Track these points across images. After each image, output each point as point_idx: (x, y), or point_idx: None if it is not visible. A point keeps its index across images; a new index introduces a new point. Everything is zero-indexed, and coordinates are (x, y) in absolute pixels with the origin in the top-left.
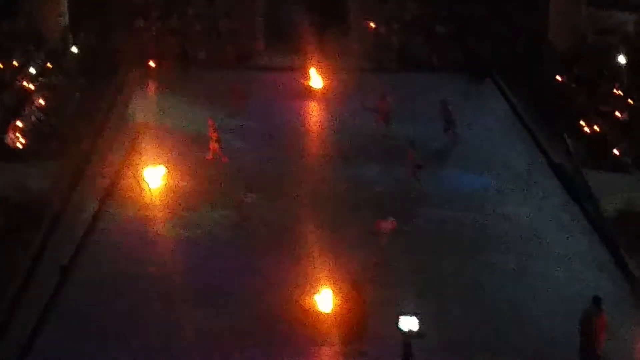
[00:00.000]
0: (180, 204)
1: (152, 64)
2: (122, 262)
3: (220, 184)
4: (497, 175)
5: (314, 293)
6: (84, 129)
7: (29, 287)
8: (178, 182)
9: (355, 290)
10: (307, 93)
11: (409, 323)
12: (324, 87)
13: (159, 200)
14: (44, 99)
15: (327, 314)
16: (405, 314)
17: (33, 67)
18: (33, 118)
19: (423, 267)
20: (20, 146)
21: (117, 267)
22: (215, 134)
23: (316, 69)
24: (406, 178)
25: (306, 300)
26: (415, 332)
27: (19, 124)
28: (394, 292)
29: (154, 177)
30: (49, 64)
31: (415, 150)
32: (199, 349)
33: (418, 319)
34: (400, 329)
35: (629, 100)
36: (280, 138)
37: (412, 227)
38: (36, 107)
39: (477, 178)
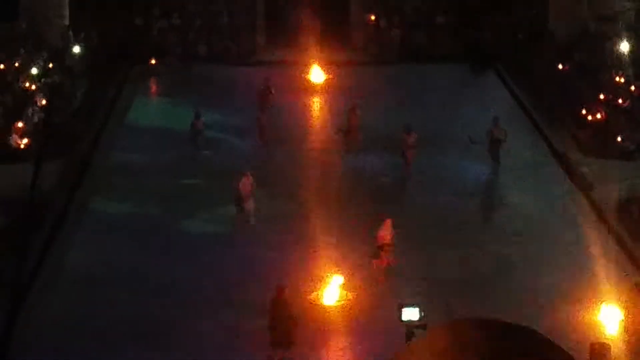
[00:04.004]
0: (181, 200)
1: (153, 61)
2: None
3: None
4: (500, 164)
5: (319, 286)
6: (86, 128)
7: (32, 287)
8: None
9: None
10: (308, 87)
11: (410, 313)
12: (325, 81)
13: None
14: (46, 99)
15: (333, 306)
16: (407, 304)
17: (35, 67)
18: (35, 118)
19: (426, 256)
20: (23, 147)
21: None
22: None
23: (317, 63)
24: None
25: (312, 294)
26: (417, 323)
27: (21, 124)
28: (395, 283)
29: None
30: (50, 64)
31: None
32: (198, 347)
33: (420, 309)
34: (401, 320)
35: (632, 87)
36: (282, 132)
37: (414, 217)
38: (38, 107)
39: (481, 167)
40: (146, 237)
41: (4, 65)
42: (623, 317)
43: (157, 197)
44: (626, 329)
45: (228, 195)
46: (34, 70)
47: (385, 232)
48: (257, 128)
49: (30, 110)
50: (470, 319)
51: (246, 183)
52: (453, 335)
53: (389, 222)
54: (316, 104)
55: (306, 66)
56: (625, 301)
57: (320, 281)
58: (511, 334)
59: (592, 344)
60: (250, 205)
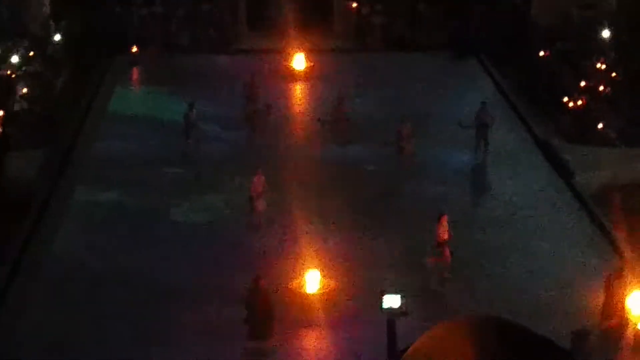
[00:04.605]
0: (164, 190)
1: (135, 50)
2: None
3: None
4: (489, 146)
5: (302, 275)
6: (68, 116)
7: (15, 278)
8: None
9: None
10: (291, 75)
11: (392, 301)
12: (307, 69)
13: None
14: (28, 88)
15: (314, 295)
16: (389, 292)
17: (16, 56)
18: (17, 107)
19: (410, 244)
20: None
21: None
22: None
23: (299, 50)
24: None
25: (294, 283)
26: (398, 310)
27: (1, 113)
28: (380, 271)
29: None
30: (31, 53)
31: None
32: (180, 337)
33: (402, 297)
34: (383, 307)
35: (613, 74)
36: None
37: (399, 205)
38: (20, 96)
39: (464, 156)
40: (130, 227)
41: None
42: (604, 303)
43: (141, 186)
44: (606, 315)
45: (212, 184)
46: (15, 59)
47: (443, 229)
48: (246, 118)
49: (11, 99)
50: (490, 320)
51: (257, 183)
52: (470, 337)
53: (445, 218)
54: (298, 91)
55: (288, 54)
56: (605, 286)
57: (302, 270)
58: (532, 349)
59: (573, 331)
60: (260, 205)
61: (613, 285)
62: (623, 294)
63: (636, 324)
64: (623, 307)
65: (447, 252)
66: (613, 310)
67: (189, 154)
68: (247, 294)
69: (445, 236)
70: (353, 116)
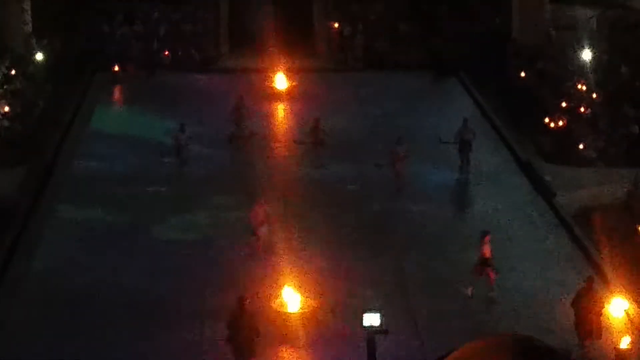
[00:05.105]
0: (145, 208)
1: (116, 68)
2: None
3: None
4: (470, 164)
5: (283, 294)
6: (49, 134)
7: None
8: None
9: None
10: (272, 94)
11: (371, 319)
12: (288, 89)
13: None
14: (9, 106)
15: (296, 314)
16: (369, 310)
17: None
18: None
19: (391, 263)
20: None
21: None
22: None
23: (281, 70)
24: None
25: (276, 302)
26: (378, 328)
27: None
28: (360, 289)
29: None
30: (13, 71)
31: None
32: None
33: (382, 315)
34: (362, 326)
35: (593, 95)
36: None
37: (381, 223)
38: (1, 114)
39: (445, 175)
40: (112, 245)
41: None
42: (575, 321)
43: (122, 204)
44: (584, 332)
45: (193, 203)
46: None
47: (486, 248)
48: (230, 139)
49: None
50: (524, 339)
51: (258, 212)
52: (507, 353)
53: (488, 238)
54: (280, 111)
55: (270, 73)
56: (573, 303)
57: (284, 289)
58: None
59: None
60: (262, 233)
61: (582, 303)
62: (596, 310)
63: (617, 343)
64: (598, 324)
65: (490, 271)
66: (588, 327)
67: (172, 172)
68: (231, 314)
69: (488, 254)
70: (334, 136)
